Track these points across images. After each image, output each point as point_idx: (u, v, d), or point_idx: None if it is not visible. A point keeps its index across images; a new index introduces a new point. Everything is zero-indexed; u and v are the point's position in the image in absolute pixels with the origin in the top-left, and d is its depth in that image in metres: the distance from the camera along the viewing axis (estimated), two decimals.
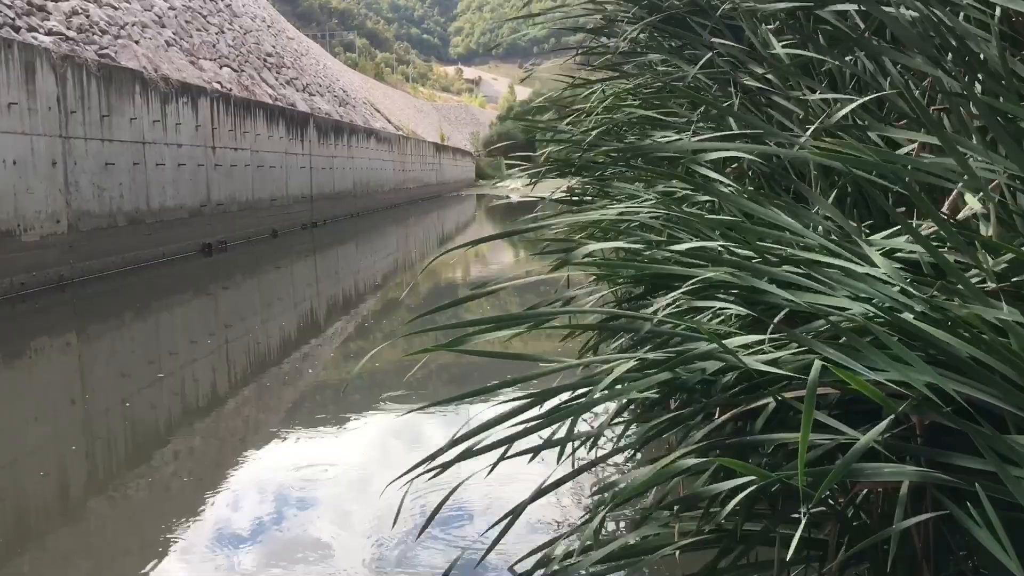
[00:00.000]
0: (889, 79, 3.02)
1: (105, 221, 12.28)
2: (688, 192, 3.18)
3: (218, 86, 17.74)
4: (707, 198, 2.99)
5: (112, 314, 10.27)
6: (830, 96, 2.84)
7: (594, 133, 4.08)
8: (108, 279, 12.12)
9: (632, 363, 1.96)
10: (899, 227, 2.20)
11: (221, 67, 19.39)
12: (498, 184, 63.26)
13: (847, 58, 3.27)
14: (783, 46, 3.36)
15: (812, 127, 2.49)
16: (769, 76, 3.28)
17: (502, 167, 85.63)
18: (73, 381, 7.25)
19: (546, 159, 4.25)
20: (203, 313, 10.98)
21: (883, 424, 1.59)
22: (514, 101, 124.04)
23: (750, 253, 2.17)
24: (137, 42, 15.50)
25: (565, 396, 2.00)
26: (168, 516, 4.10)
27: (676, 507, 1.98)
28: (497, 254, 19.87)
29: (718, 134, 3.03)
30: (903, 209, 2.67)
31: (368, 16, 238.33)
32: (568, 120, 4.61)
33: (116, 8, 15.55)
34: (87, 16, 14.01)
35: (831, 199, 2.88)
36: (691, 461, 1.88)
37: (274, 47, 25.91)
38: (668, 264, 2.31)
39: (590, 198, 4.50)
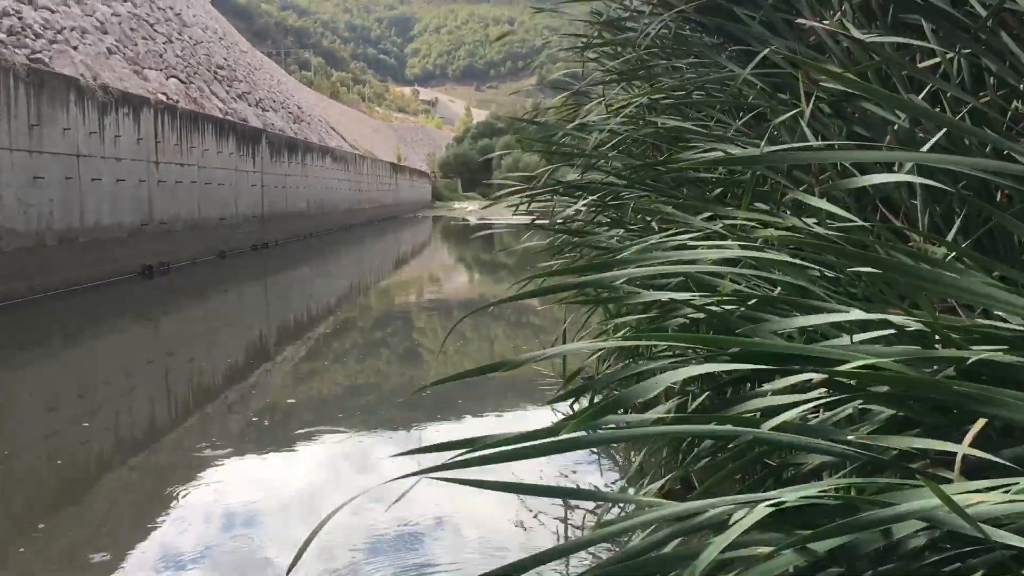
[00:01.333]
0: None
1: (32, 240, 11.23)
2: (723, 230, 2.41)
3: (164, 97, 16.74)
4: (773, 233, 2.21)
5: (37, 342, 9.24)
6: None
7: (604, 147, 3.34)
8: (36, 304, 11.07)
9: (764, 511, 1.19)
10: None
11: (168, 78, 18.38)
12: (455, 207, 62.38)
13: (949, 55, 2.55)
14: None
15: None
16: (848, 75, 2.56)
17: (459, 188, 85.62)
18: None
19: (545, 181, 3.48)
20: (143, 341, 10.01)
21: None
22: (471, 123, 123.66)
23: (920, 324, 1.41)
24: (75, 48, 14.47)
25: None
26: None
27: None
28: (452, 275, 19.09)
29: (803, 144, 2.27)
30: None
31: (324, 35, 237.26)
32: (567, 130, 3.84)
33: (53, 11, 14.52)
34: (19, 18, 12.99)
35: (954, 235, 2.14)
36: None
37: (226, 59, 24.90)
38: (770, 340, 1.54)
39: (593, 226, 3.73)
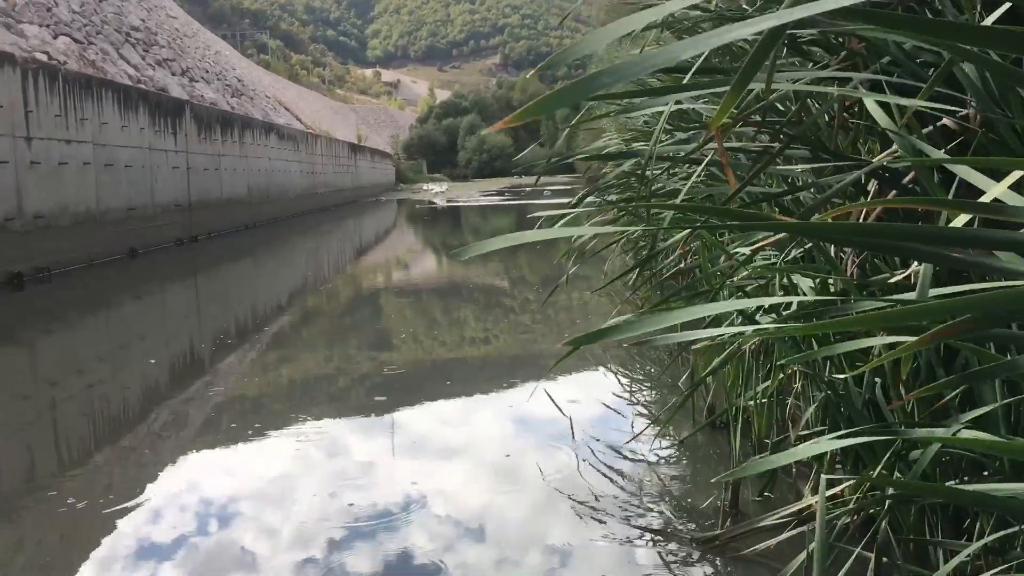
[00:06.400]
0: None
1: None
2: None
3: (43, 57, 13.17)
4: None
5: None
6: None
7: None
8: None
9: None
10: None
11: (56, 36, 14.78)
12: (424, 188, 58.64)
13: None
14: None
15: None
16: None
17: (423, 169, 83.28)
18: None
19: None
20: (10, 371, 6.81)
21: None
22: (434, 103, 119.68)
23: None
24: None
25: None
26: None
27: None
28: (420, 258, 15.83)
29: None
30: None
31: (282, 18, 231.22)
32: None
33: None
34: None
35: None
36: None
37: (143, 21, 21.17)
38: None
39: None
